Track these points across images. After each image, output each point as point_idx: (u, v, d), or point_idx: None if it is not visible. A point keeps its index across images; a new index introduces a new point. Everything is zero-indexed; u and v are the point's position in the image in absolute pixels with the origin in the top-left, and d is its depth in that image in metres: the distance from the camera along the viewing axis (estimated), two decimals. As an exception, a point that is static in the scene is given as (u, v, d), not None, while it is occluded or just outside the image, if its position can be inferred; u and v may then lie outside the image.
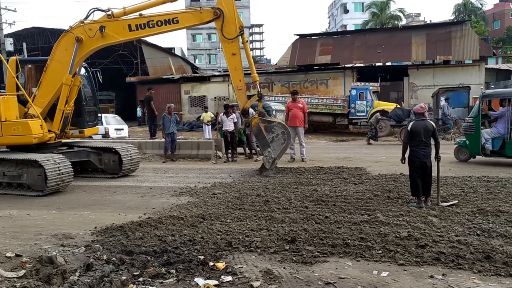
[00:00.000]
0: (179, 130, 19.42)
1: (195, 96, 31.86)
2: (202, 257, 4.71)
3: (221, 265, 4.51)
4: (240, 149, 13.99)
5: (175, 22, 9.48)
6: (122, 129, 19.10)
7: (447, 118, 18.04)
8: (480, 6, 55.69)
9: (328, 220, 6.06)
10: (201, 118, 18.99)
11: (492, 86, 25.87)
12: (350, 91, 22.36)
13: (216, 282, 4.12)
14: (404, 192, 7.75)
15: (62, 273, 4.28)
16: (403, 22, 51.49)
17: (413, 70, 27.57)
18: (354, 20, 63.39)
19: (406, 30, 30.61)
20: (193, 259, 4.68)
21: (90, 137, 12.92)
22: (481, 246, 4.89)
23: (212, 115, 17.92)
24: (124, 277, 4.19)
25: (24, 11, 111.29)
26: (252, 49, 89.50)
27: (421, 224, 5.79)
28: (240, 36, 9.72)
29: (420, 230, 5.52)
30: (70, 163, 9.19)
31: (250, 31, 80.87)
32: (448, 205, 6.79)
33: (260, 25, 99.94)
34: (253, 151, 13.67)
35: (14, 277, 4.30)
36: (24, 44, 31.61)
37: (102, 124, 15.54)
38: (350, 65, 28.45)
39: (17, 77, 9.65)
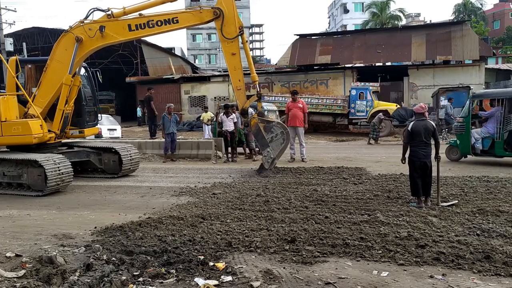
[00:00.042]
0: (179, 130, 19.42)
1: (195, 96, 31.86)
2: (202, 257, 4.71)
3: (221, 265, 4.51)
4: (240, 149, 13.99)
5: (175, 22, 9.48)
6: (115, 129, 19.04)
7: (451, 118, 18.05)
8: (480, 6, 55.72)
9: (328, 220, 6.06)
10: (201, 118, 18.99)
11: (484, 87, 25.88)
12: (350, 91, 22.34)
13: (216, 282, 4.12)
14: (404, 192, 7.75)
15: (62, 273, 4.28)
16: (403, 22, 51.51)
17: (413, 70, 27.58)
18: (354, 20, 63.40)
19: (406, 30, 30.61)
20: (193, 259, 4.68)
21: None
22: (481, 246, 4.90)
23: (212, 115, 17.92)
24: (124, 277, 4.19)
25: (24, 11, 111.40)
26: (252, 49, 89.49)
27: (421, 224, 5.79)
28: (239, 36, 9.72)
29: (420, 230, 5.52)
30: (70, 163, 9.19)
31: (250, 31, 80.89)
32: (448, 205, 6.79)
33: (260, 25, 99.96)
34: (252, 151, 13.67)
35: (14, 277, 4.30)
36: (24, 44, 31.61)
37: None
38: (350, 65, 28.45)
39: (17, 77, 9.64)
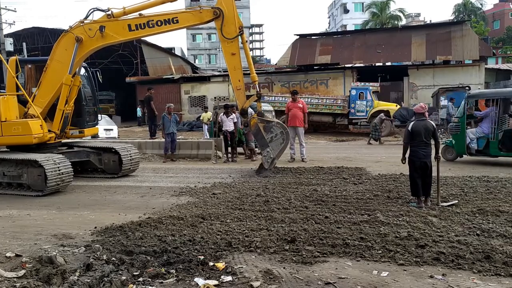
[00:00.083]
0: (179, 130, 19.41)
1: (195, 96, 31.87)
2: (202, 257, 4.71)
3: (221, 265, 4.51)
4: (240, 149, 13.99)
5: (175, 22, 9.48)
6: (112, 129, 19.00)
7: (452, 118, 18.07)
8: (480, 6, 55.72)
9: (328, 220, 6.06)
10: (201, 118, 18.99)
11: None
12: (350, 91, 22.34)
13: (216, 282, 4.12)
14: (404, 192, 7.75)
15: (62, 273, 4.28)
16: (403, 22, 51.51)
17: (413, 70, 27.58)
18: (354, 20, 63.40)
19: (406, 30, 30.62)
20: (193, 259, 4.68)
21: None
22: (481, 246, 4.90)
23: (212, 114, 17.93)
24: (124, 277, 4.19)
25: (24, 11, 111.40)
26: (252, 49, 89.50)
27: (421, 224, 5.79)
28: (239, 36, 9.73)
29: (420, 230, 5.52)
30: (70, 163, 9.19)
31: (250, 31, 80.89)
32: (448, 205, 6.79)
33: (260, 25, 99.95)
34: (252, 151, 13.67)
35: (14, 277, 4.30)
36: (24, 44, 31.61)
37: None
38: (350, 65, 28.46)
39: (17, 77, 9.64)
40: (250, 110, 10.82)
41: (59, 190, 8.97)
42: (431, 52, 26.88)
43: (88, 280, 4.13)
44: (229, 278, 4.21)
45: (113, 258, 4.70)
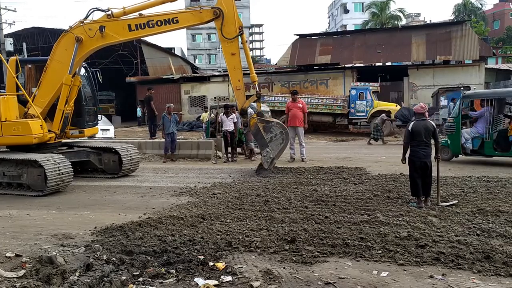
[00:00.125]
0: (179, 130, 19.40)
1: (195, 96, 31.87)
2: (202, 257, 4.71)
3: (221, 265, 4.51)
4: (239, 149, 13.99)
5: (175, 22, 9.48)
6: (108, 129, 18.96)
7: None
8: (480, 6, 55.72)
9: (328, 220, 6.07)
10: (201, 118, 18.98)
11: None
12: (350, 91, 22.34)
13: (216, 282, 4.12)
14: (404, 192, 7.76)
15: (62, 273, 4.28)
16: (403, 22, 51.51)
17: (413, 70, 27.58)
18: (354, 20, 63.40)
19: (406, 30, 30.62)
20: (193, 259, 4.68)
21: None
22: (480, 246, 4.90)
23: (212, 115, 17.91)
24: (124, 277, 4.19)
25: (24, 11, 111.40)
26: (252, 49, 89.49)
27: (421, 224, 5.79)
28: (239, 36, 9.73)
29: (420, 230, 5.52)
30: (70, 163, 9.19)
31: (250, 31, 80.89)
32: (448, 205, 6.79)
33: (260, 25, 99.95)
34: (247, 152, 13.67)
35: (14, 277, 4.30)
36: (24, 44, 31.61)
37: None
38: (350, 65, 28.45)
39: (17, 77, 9.64)
40: (249, 110, 10.83)
41: (59, 190, 8.97)
42: (431, 52, 26.87)
43: (88, 280, 4.13)
44: (229, 278, 4.21)
45: (113, 258, 4.70)
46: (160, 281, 4.24)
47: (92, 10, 9.58)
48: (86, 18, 9.55)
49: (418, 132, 6.88)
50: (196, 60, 61.14)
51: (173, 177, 10.61)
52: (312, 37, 30.81)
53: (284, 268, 4.46)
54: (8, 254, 4.97)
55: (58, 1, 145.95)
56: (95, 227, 6.11)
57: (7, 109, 9.11)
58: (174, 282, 4.20)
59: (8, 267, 4.59)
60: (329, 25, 78.69)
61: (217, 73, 36.68)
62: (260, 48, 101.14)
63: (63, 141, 10.61)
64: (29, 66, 10.29)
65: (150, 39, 32.17)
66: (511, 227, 5.60)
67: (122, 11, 9.42)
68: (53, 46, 9.82)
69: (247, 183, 9.30)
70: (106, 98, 35.74)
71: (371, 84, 22.56)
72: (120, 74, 35.97)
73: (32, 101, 9.43)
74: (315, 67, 29.85)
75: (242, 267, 4.46)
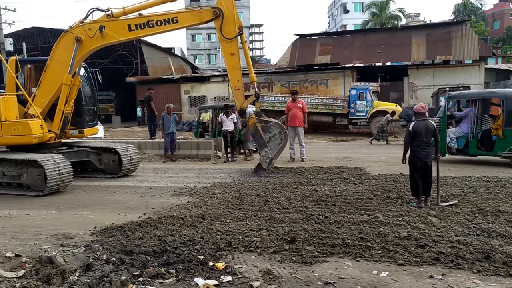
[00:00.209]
0: (178, 130, 19.40)
1: (194, 96, 31.84)
2: (202, 257, 4.71)
3: (220, 265, 4.51)
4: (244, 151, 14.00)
5: (175, 21, 9.49)
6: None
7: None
8: (480, 6, 55.75)
9: (328, 220, 6.07)
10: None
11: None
12: (349, 91, 22.32)
13: (215, 282, 4.12)
14: (404, 192, 7.76)
15: (62, 273, 4.28)
16: (403, 22, 51.53)
17: (413, 70, 27.56)
18: (354, 20, 63.40)
19: (406, 30, 30.59)
20: (192, 259, 4.68)
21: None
22: (480, 246, 4.90)
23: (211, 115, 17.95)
24: (123, 277, 4.19)
25: (24, 11, 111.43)
26: (252, 49, 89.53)
27: (421, 224, 5.79)
28: (239, 36, 9.73)
29: (419, 230, 5.52)
30: (70, 163, 9.19)
31: (250, 31, 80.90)
32: (448, 205, 6.80)
33: (260, 25, 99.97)
34: (247, 151, 13.69)
35: (13, 277, 4.30)
36: (24, 44, 31.58)
37: None
38: (350, 65, 28.43)
39: (17, 77, 9.64)
40: (248, 110, 10.82)
41: (59, 190, 8.97)
42: (431, 52, 26.86)
43: (88, 280, 4.13)
44: (229, 278, 4.21)
45: (113, 258, 4.70)
46: (160, 281, 4.24)
47: (92, 10, 9.58)
48: (86, 18, 9.55)
49: (419, 132, 6.87)
50: (196, 60, 61.14)
51: (173, 177, 10.61)
52: (312, 37, 30.80)
53: (284, 268, 4.46)
54: (8, 254, 4.97)
55: (58, 1, 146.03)
56: (95, 227, 6.11)
57: (7, 109, 9.11)
58: (174, 282, 4.20)
59: (8, 267, 4.59)
60: (329, 25, 78.70)
61: (217, 73, 36.66)
62: (260, 48, 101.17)
63: (63, 141, 10.61)
64: (29, 66, 10.29)
65: (150, 39, 32.20)
66: (511, 227, 5.61)
67: (122, 11, 9.42)
68: (53, 46, 9.82)
69: (247, 183, 9.30)
70: (106, 98, 35.74)
71: (371, 84, 22.55)
72: (120, 74, 35.96)
73: (32, 101, 9.43)
74: (315, 67, 29.83)
75: (242, 267, 4.46)
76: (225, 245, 5.15)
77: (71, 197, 8.66)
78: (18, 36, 34.53)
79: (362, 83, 22.62)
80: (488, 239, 5.15)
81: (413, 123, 7.08)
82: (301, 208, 6.86)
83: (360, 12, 64.06)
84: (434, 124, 7.15)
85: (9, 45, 28.75)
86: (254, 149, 13.40)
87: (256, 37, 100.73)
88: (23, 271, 4.42)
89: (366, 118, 21.39)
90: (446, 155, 11.65)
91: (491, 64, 37.24)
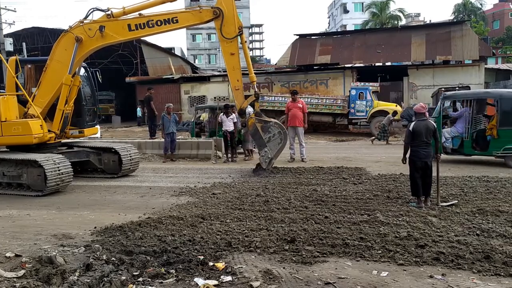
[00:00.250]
0: (178, 130, 19.41)
1: (194, 96, 31.84)
2: (202, 257, 4.71)
3: (220, 265, 4.52)
4: (239, 149, 14.01)
5: (175, 21, 9.49)
6: None
7: None
8: (480, 6, 55.76)
9: (328, 220, 6.07)
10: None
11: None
12: (349, 91, 22.32)
13: (215, 282, 4.12)
14: (403, 192, 7.76)
15: (62, 273, 4.28)
16: (403, 22, 51.53)
17: (413, 70, 27.56)
18: (354, 20, 63.40)
19: (406, 30, 30.59)
20: (192, 259, 4.68)
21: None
22: (480, 246, 4.90)
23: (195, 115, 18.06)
24: (123, 277, 4.19)
25: (24, 11, 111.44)
26: (252, 49, 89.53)
27: (421, 224, 5.79)
28: (239, 36, 9.73)
29: (419, 230, 5.52)
30: (70, 163, 9.19)
31: (250, 31, 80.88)
32: (448, 205, 6.80)
33: (260, 25, 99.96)
34: (247, 151, 13.69)
35: (13, 277, 4.30)
36: (24, 44, 31.59)
37: None
38: (350, 65, 28.43)
39: (17, 77, 9.64)
40: (248, 110, 10.82)
41: (59, 190, 8.97)
42: (431, 52, 26.86)
43: (88, 280, 4.13)
44: (229, 278, 4.21)
45: (112, 258, 4.70)
46: (160, 281, 4.24)
47: (92, 10, 9.58)
48: (85, 18, 9.55)
49: (419, 132, 6.88)
50: (196, 60, 61.13)
51: (173, 177, 10.61)
52: (312, 37, 30.79)
53: (284, 268, 4.46)
54: (8, 254, 4.97)
55: (58, 1, 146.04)
56: (95, 227, 6.11)
57: (7, 109, 9.11)
58: (174, 282, 4.20)
59: (8, 267, 4.59)
60: (329, 25, 78.69)
61: (217, 73, 36.66)
62: (260, 48, 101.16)
63: (63, 141, 10.61)
64: (29, 66, 10.29)
65: (150, 39, 32.19)
66: (511, 227, 5.61)
67: (122, 11, 9.42)
68: (53, 46, 9.82)
69: (247, 183, 9.30)
70: (106, 98, 35.71)
71: (371, 84, 22.55)
72: (120, 74, 35.95)
73: (32, 101, 9.43)
74: (315, 67, 29.83)
75: (242, 267, 4.46)
76: (225, 245, 5.15)
77: (71, 197, 8.66)
78: (18, 36, 34.53)
79: (362, 83, 22.63)
80: (488, 239, 5.15)
81: (413, 123, 7.08)
82: (301, 208, 6.86)
83: (360, 12, 64.06)
84: (435, 124, 7.15)
85: (9, 45, 28.76)
86: (252, 149, 13.42)
87: (256, 37, 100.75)
88: (23, 271, 4.42)
89: (366, 118, 21.40)
90: (442, 154, 11.69)
91: (491, 64, 37.24)
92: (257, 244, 5.12)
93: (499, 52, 48.64)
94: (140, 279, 4.27)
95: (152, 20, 9.41)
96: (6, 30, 30.98)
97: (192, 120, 16.87)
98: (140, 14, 9.45)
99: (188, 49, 64.10)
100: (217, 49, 55.11)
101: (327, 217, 6.19)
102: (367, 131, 21.98)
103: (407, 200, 7.23)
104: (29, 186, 8.96)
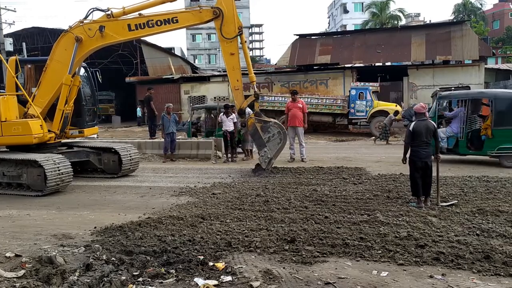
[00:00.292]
0: (178, 130, 19.40)
1: (194, 96, 31.83)
2: (202, 257, 4.71)
3: (220, 265, 4.51)
4: (239, 149, 14.00)
5: (175, 21, 9.49)
6: None
7: None
8: (480, 6, 55.76)
9: (328, 220, 6.07)
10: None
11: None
12: (349, 91, 22.32)
13: (215, 282, 4.12)
14: (403, 192, 7.76)
15: (62, 273, 4.28)
16: (403, 22, 51.53)
17: (413, 70, 27.56)
18: (354, 20, 63.40)
19: (406, 30, 30.58)
20: (192, 259, 4.68)
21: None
22: (480, 246, 4.90)
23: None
24: (123, 277, 4.19)
25: (24, 11, 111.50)
26: (252, 49, 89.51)
27: (421, 224, 5.79)
28: (239, 36, 9.73)
29: (419, 230, 5.52)
30: (70, 163, 9.19)
31: (250, 31, 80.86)
32: (448, 205, 6.80)
33: (260, 25, 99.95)
34: (246, 152, 13.70)
35: (13, 277, 4.30)
36: (24, 44, 31.57)
37: None
38: (349, 65, 28.43)
39: (16, 77, 9.64)
40: (248, 110, 10.82)
41: (58, 190, 8.97)
42: (430, 52, 26.84)
43: (88, 280, 4.13)
44: (228, 278, 4.21)
45: (112, 258, 4.70)
46: (160, 281, 4.24)
47: (92, 10, 9.58)
48: (85, 18, 9.55)
49: (419, 132, 6.88)
50: (196, 60, 61.14)
51: (173, 177, 10.61)
52: (312, 37, 30.78)
53: (284, 268, 4.46)
54: (8, 254, 4.97)
55: (58, 1, 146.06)
56: (95, 227, 6.11)
57: (7, 109, 9.11)
58: (174, 282, 4.20)
59: (8, 267, 4.59)
60: (329, 25, 78.70)
61: (217, 73, 36.66)
62: (260, 48, 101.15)
63: (63, 141, 10.60)
64: (29, 66, 10.30)
65: (150, 39, 32.18)
66: (511, 227, 5.61)
67: (122, 11, 9.42)
68: (52, 46, 9.82)
69: (247, 183, 9.30)
70: (106, 98, 35.71)
71: (371, 84, 22.54)
72: (120, 74, 35.95)
73: (32, 101, 9.43)
74: (315, 67, 29.83)
75: (242, 267, 4.46)
76: (225, 245, 5.15)
77: (71, 197, 8.66)
78: (18, 36, 34.52)
79: (362, 83, 22.62)
80: (488, 239, 5.15)
81: (413, 123, 7.08)
82: (301, 208, 6.86)
83: (360, 12, 64.05)
84: (435, 124, 7.15)
85: (9, 45, 28.75)
86: (251, 149, 13.43)
87: (256, 37, 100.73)
88: (23, 271, 4.42)
89: (366, 118, 21.40)
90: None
91: (491, 64, 37.22)
92: (257, 244, 5.12)
93: (499, 52, 48.64)
94: (140, 279, 4.27)
95: (152, 20, 9.41)
96: (6, 30, 31.03)
97: (188, 120, 16.87)
98: (140, 14, 9.45)
99: (188, 49, 64.11)
100: (217, 49, 55.11)
101: (327, 217, 6.19)
102: (367, 131, 21.97)
103: (407, 200, 7.23)
104: (29, 186, 8.96)
